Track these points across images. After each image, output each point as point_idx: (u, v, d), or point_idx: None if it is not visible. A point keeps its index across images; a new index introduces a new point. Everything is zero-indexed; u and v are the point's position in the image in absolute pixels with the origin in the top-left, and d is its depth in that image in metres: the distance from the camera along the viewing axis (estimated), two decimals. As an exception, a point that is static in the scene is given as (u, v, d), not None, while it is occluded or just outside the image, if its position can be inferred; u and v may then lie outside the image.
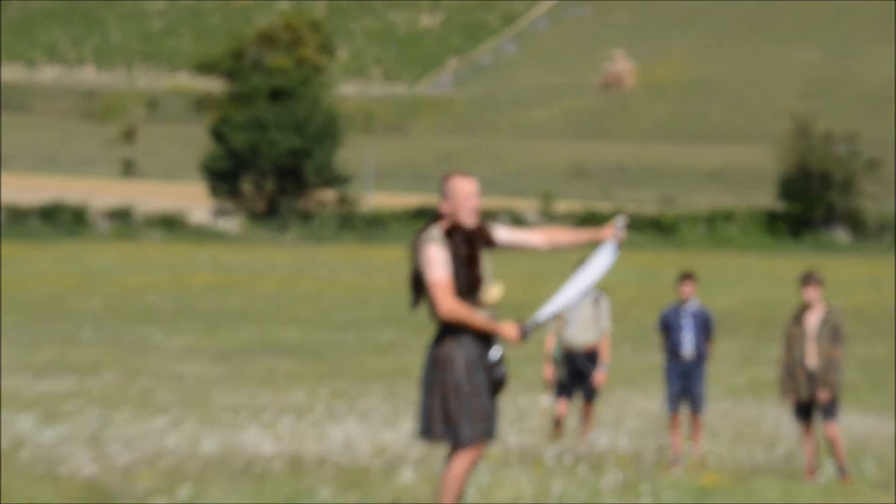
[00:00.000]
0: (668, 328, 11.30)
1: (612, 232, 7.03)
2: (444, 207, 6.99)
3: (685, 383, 11.22)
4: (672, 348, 11.26)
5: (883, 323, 27.46)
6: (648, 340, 23.26)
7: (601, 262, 7.02)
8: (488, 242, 7.06)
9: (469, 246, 6.94)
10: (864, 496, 9.51)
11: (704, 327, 11.24)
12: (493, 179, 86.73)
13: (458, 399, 6.87)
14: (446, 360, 6.91)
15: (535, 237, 7.13)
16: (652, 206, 73.64)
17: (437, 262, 6.87)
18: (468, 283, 6.91)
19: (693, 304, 11.27)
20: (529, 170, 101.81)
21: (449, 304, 6.85)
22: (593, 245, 7.13)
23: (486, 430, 6.90)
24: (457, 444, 6.90)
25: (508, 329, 6.92)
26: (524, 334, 6.89)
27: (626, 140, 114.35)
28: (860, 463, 10.79)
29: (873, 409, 14.75)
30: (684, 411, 11.34)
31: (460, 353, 6.89)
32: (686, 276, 11.32)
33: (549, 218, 66.65)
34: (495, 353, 6.93)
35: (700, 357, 11.24)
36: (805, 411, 10.45)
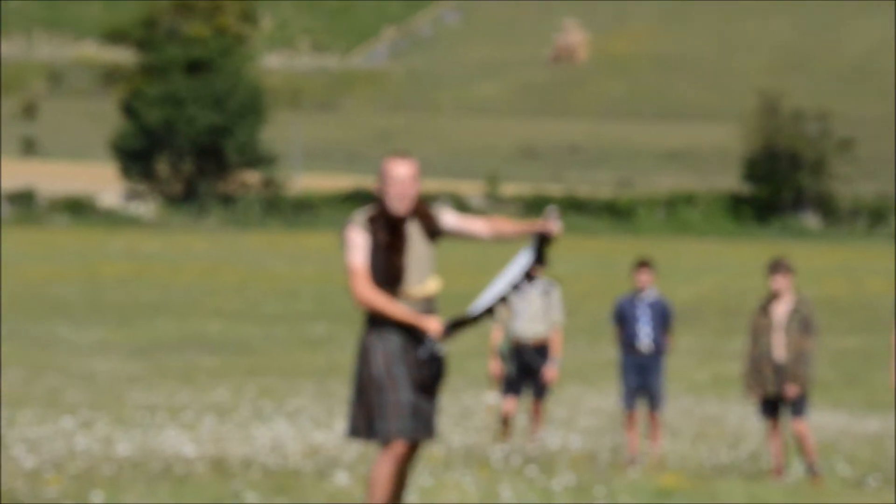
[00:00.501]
0: (623, 320, 11.41)
1: (546, 224, 7.17)
2: (377, 191, 7.14)
3: (642, 378, 11.35)
4: (627, 341, 11.37)
5: (856, 314, 27.86)
6: (603, 333, 23.45)
7: (520, 261, 7.19)
8: (432, 230, 7.15)
9: (392, 234, 7.06)
10: (834, 497, 9.69)
11: (662, 319, 11.37)
12: (435, 161, 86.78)
13: (375, 394, 7.02)
14: (366, 352, 7.08)
15: (479, 226, 7.25)
16: (607, 189, 74.08)
17: (355, 247, 7.04)
18: (387, 273, 7.04)
19: (650, 294, 11.39)
20: (474, 150, 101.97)
21: (362, 290, 7.01)
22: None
23: (407, 427, 7.01)
24: (377, 442, 7.05)
25: (431, 324, 7.05)
26: (447, 332, 7.02)
27: (579, 118, 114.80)
28: (831, 462, 10.97)
29: (845, 406, 15.00)
30: (641, 408, 11.47)
31: (380, 345, 7.04)
32: (642, 264, 11.44)
33: (496, 202, 66.86)
34: (426, 348, 7.02)
35: (658, 351, 11.36)
36: (772, 407, 10.61)
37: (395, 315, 7.01)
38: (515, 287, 7.13)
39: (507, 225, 7.28)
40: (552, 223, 7.17)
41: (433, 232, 7.16)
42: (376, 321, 7.06)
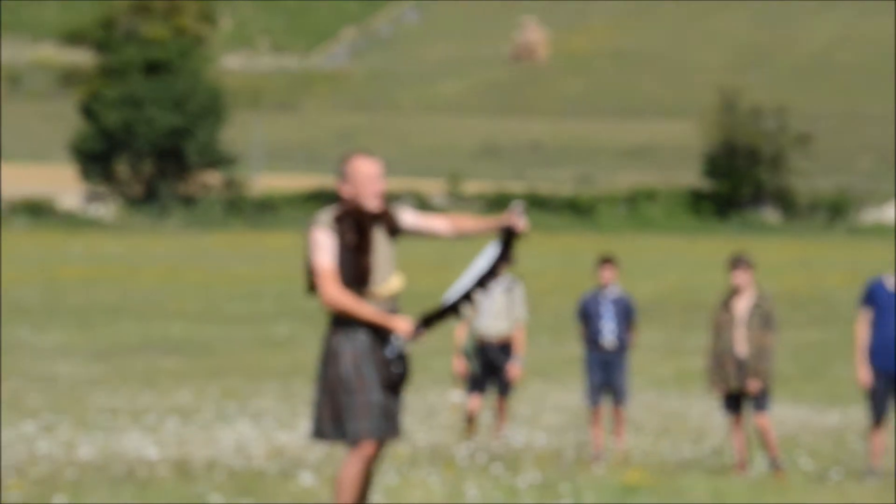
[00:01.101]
0: (587, 316, 11.44)
1: (511, 219, 7.15)
2: (345, 191, 7.06)
3: (606, 375, 11.38)
4: (592, 338, 11.40)
5: (815, 308, 28.02)
6: (566, 330, 23.49)
7: (487, 256, 7.17)
8: (393, 228, 7.13)
9: (359, 233, 7.03)
10: (798, 491, 9.73)
11: (626, 315, 11.40)
12: (397, 159, 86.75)
13: (345, 395, 6.98)
14: (333, 353, 7.03)
15: (440, 224, 7.22)
16: (568, 186, 74.25)
17: (323, 248, 6.98)
18: (355, 273, 7.00)
19: (613, 291, 11.42)
20: (435, 149, 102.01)
21: (331, 292, 6.95)
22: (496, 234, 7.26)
23: (376, 428, 6.99)
24: (346, 443, 7.00)
25: (400, 323, 7.02)
26: (416, 332, 7.00)
27: (539, 116, 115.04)
28: (793, 456, 11.03)
29: (806, 400, 15.07)
30: (606, 405, 11.50)
31: (348, 345, 7.00)
32: (605, 261, 11.47)
33: (458, 200, 66.91)
34: (393, 347, 7.00)
35: (622, 347, 11.40)
36: (734, 402, 10.65)
37: (365, 315, 6.97)
38: (482, 284, 7.11)
39: (468, 222, 7.25)
40: (518, 218, 7.15)
41: (393, 230, 7.14)
42: (343, 321, 7.01)
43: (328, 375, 7.03)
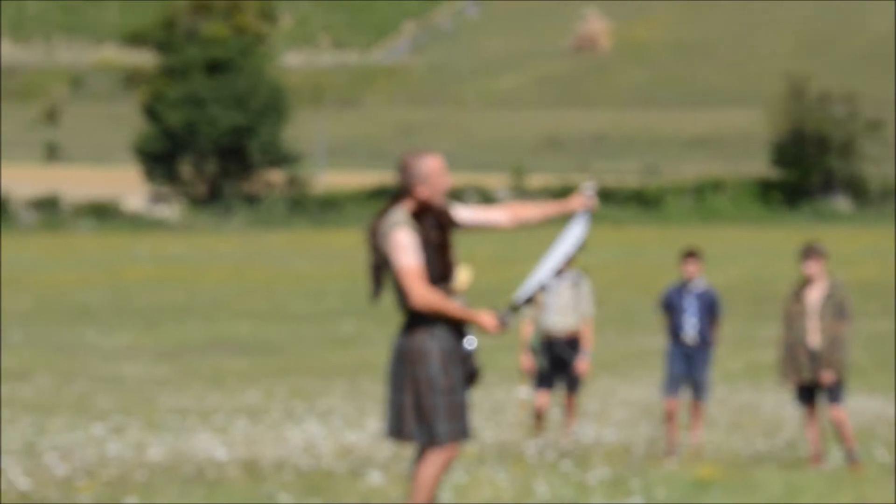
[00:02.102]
0: (671, 309, 11.36)
1: (582, 201, 7.06)
2: (421, 192, 6.96)
3: (687, 368, 11.29)
4: (674, 331, 11.34)
5: (889, 298, 27.70)
6: (634, 324, 23.40)
7: (573, 235, 7.04)
8: (451, 224, 7.07)
9: (440, 229, 6.96)
10: (875, 483, 9.63)
11: (709, 310, 11.30)
12: (459, 154, 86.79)
13: (432, 395, 6.89)
14: (419, 352, 6.92)
15: (498, 215, 7.12)
16: (634, 178, 73.91)
17: (407, 248, 6.85)
18: (440, 271, 6.93)
19: (698, 285, 11.32)
20: (498, 142, 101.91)
21: (423, 292, 6.84)
22: (564, 220, 7.15)
23: (462, 429, 6.94)
24: (431, 444, 6.92)
25: (486, 318, 6.94)
26: (502, 323, 6.92)
27: (603, 107, 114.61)
28: (869, 447, 10.91)
29: (880, 390, 14.92)
30: (683, 399, 11.42)
31: (435, 344, 6.91)
32: (690, 255, 11.36)
33: (522, 194, 66.80)
34: (470, 343, 6.96)
35: (704, 342, 11.31)
36: (808, 394, 10.56)
37: (454, 314, 6.88)
38: (560, 271, 7.02)
39: (529, 209, 7.12)
40: (590, 200, 7.06)
41: (452, 225, 7.09)
42: (426, 319, 6.90)
43: (412, 375, 6.91)
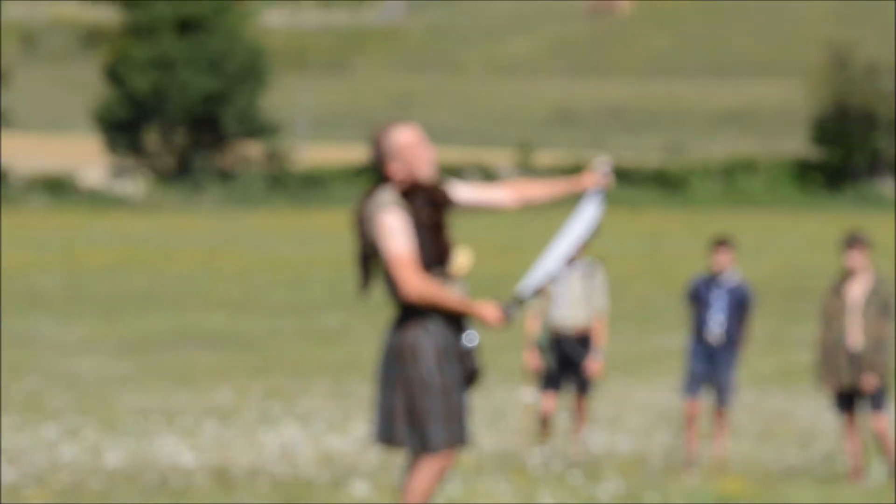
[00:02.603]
0: (697, 302, 11.38)
1: (596, 178, 7.08)
2: (396, 169, 6.93)
3: (710, 368, 11.31)
4: (697, 326, 11.35)
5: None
6: (653, 320, 23.46)
7: (585, 217, 7.04)
8: (446, 201, 7.03)
9: (433, 208, 6.94)
10: (919, 502, 9.67)
11: (740, 307, 11.32)
12: (460, 127, 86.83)
13: (426, 396, 6.89)
14: (411, 349, 6.91)
15: (501, 194, 7.10)
16: (656, 156, 73.99)
17: (397, 232, 6.84)
18: (435, 253, 6.91)
19: (730, 279, 11.33)
20: (503, 115, 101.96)
21: (416, 282, 6.82)
22: (575, 201, 7.16)
23: (459, 434, 6.96)
24: (424, 451, 6.93)
25: (487, 310, 6.93)
26: (507, 315, 6.92)
27: (621, 76, 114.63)
28: (915, 462, 10.94)
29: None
30: (704, 402, 11.45)
31: (429, 340, 6.90)
32: (721, 243, 11.37)
33: (529, 172, 66.84)
34: (469, 339, 6.96)
35: (730, 341, 11.32)
36: (847, 401, 10.60)
37: (450, 304, 6.87)
38: (571, 259, 7.01)
39: (535, 188, 7.10)
40: (605, 177, 7.06)
41: (447, 204, 7.07)
42: (419, 312, 6.89)
43: (403, 374, 6.92)
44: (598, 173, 7.06)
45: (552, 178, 65.65)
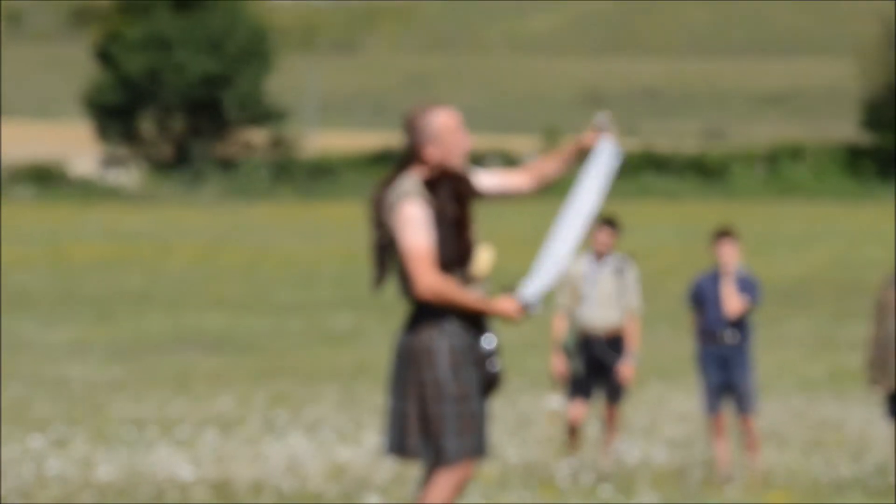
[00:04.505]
0: (702, 303, 11.37)
1: (596, 134, 7.09)
2: (432, 154, 6.95)
3: (726, 375, 11.29)
4: (706, 329, 11.34)
5: None
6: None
7: (600, 168, 7.06)
8: (472, 194, 7.07)
9: (459, 202, 6.96)
10: (982, 517, 9.64)
11: (750, 299, 11.31)
12: (480, 111, 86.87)
13: (441, 403, 6.91)
14: (425, 352, 6.93)
15: (519, 179, 7.15)
16: (693, 142, 73.96)
17: (418, 224, 6.85)
18: (457, 252, 6.93)
19: (737, 273, 11.33)
20: (527, 97, 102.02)
21: (430, 279, 6.84)
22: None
23: (477, 444, 6.96)
24: (439, 462, 6.95)
25: (506, 305, 6.94)
26: (527, 307, 6.91)
27: (655, 55, 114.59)
28: (977, 474, 10.92)
29: None
30: (729, 412, 11.43)
31: (444, 343, 6.91)
32: (723, 234, 11.38)
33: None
34: (488, 341, 6.96)
35: (744, 339, 11.31)
36: (902, 406, 10.56)
37: (469, 304, 6.89)
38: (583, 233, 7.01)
39: (547, 163, 7.17)
40: (604, 133, 7.06)
41: (474, 195, 7.08)
42: (435, 312, 6.91)
43: (416, 379, 6.93)
44: (599, 125, 7.08)
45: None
